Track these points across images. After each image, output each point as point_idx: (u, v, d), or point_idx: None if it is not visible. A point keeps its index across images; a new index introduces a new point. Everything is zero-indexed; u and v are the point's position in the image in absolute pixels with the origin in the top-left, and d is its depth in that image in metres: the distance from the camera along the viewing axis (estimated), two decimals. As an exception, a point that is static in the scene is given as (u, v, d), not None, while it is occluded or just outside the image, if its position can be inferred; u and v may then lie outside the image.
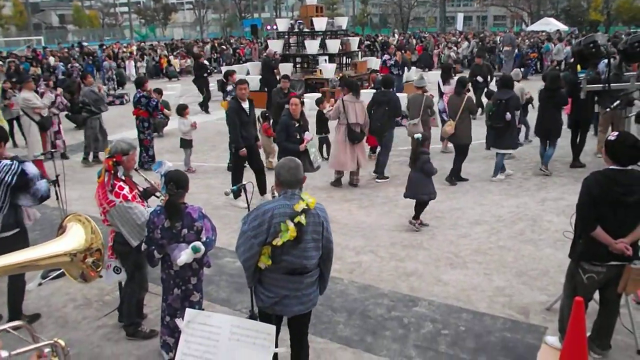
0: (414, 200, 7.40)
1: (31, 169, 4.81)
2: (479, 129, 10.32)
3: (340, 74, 15.23)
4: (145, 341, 4.87)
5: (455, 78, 10.52)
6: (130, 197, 4.54)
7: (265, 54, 17.45)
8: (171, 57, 29.93)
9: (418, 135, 7.56)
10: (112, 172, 4.58)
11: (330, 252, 3.84)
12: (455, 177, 9.23)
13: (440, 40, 34.61)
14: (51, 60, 26.51)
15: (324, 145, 10.81)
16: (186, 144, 10.52)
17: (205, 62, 19.14)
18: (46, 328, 5.18)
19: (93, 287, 5.90)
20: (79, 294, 5.84)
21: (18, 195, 4.74)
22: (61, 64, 23.40)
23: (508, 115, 8.84)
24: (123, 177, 4.66)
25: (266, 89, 16.11)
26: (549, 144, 9.60)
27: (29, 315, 5.30)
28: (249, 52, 32.93)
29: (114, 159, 4.60)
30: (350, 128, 8.86)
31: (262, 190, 8.52)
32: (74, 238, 2.75)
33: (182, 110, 10.65)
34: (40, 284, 6.05)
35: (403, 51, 27.77)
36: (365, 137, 9.22)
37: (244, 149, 8.24)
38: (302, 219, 3.54)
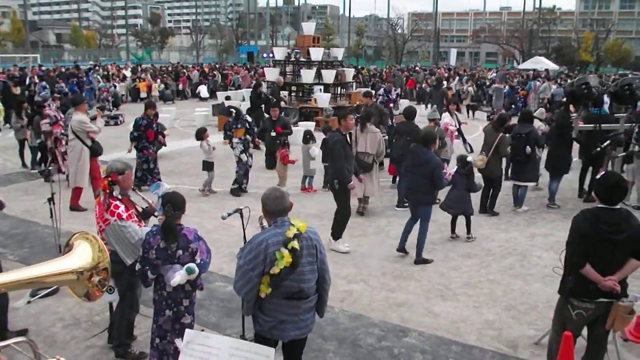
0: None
1: None
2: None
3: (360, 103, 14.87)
4: (134, 363, 4.85)
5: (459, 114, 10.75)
6: (125, 216, 4.59)
7: (274, 81, 17.57)
8: (158, 81, 29.62)
9: (470, 159, 8.20)
10: (108, 191, 4.65)
11: (325, 273, 3.88)
12: (492, 208, 9.41)
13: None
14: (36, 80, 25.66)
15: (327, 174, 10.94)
16: (208, 166, 10.54)
17: (264, 90, 17.82)
18: (27, 352, 5.13)
19: (83, 307, 5.87)
20: (68, 314, 5.80)
21: None
22: (43, 83, 23.14)
23: (528, 149, 9.12)
24: (119, 197, 4.71)
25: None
26: (554, 179, 9.85)
27: (16, 331, 5.24)
28: (237, 78, 32.71)
29: (110, 178, 4.68)
30: (358, 157, 8.93)
31: (336, 234, 7.84)
32: (81, 256, 2.76)
33: (201, 134, 10.61)
34: (28, 302, 5.99)
35: (388, 83, 28.14)
36: (372, 167, 9.13)
37: (353, 182, 7.73)
38: (295, 244, 3.63)
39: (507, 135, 9.40)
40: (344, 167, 7.58)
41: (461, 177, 8.04)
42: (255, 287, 3.64)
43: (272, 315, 3.72)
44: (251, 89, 17.85)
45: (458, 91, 28.67)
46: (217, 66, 41.82)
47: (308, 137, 10.91)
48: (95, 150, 9.56)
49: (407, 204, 9.69)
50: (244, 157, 10.41)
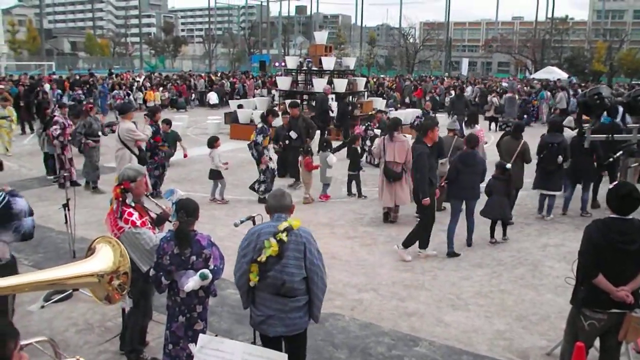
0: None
1: (20, 204, 4.69)
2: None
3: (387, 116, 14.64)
4: (146, 369, 4.89)
5: (477, 126, 10.74)
6: (139, 223, 4.63)
7: (322, 90, 17.67)
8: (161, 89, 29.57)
9: (509, 165, 8.46)
10: (121, 199, 4.69)
11: (314, 275, 3.94)
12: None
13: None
14: (46, 87, 24.20)
15: (353, 182, 11.10)
16: (215, 175, 10.54)
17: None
18: (48, 351, 5.18)
19: (95, 312, 5.94)
20: (81, 319, 5.85)
21: None
22: (58, 91, 23.17)
23: (560, 158, 9.18)
24: (132, 204, 4.75)
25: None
26: (583, 188, 9.86)
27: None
28: (241, 87, 32.49)
29: (122, 186, 4.71)
30: (386, 166, 9.00)
31: (408, 242, 7.75)
32: (103, 260, 2.81)
33: (213, 143, 10.60)
34: (42, 307, 6.06)
35: (397, 93, 28.11)
36: (402, 176, 9.01)
37: (428, 198, 7.55)
38: (283, 236, 3.87)
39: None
40: (426, 181, 7.52)
41: (499, 183, 8.21)
42: (245, 273, 3.94)
43: (262, 310, 3.97)
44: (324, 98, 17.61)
45: (469, 101, 28.59)
46: (224, 75, 41.77)
47: (325, 145, 10.98)
48: (143, 159, 9.43)
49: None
50: (272, 164, 10.56)
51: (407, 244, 7.73)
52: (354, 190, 11.10)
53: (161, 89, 29.46)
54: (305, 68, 20.57)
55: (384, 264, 7.59)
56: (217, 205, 10.40)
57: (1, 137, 14.43)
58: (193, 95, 31.25)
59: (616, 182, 4.34)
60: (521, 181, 9.29)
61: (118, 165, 9.36)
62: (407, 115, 19.45)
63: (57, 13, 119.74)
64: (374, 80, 37.89)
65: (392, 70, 69.47)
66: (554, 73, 41.63)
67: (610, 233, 4.06)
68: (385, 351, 5.29)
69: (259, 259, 3.86)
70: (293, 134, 11.42)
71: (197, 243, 4.22)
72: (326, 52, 20.82)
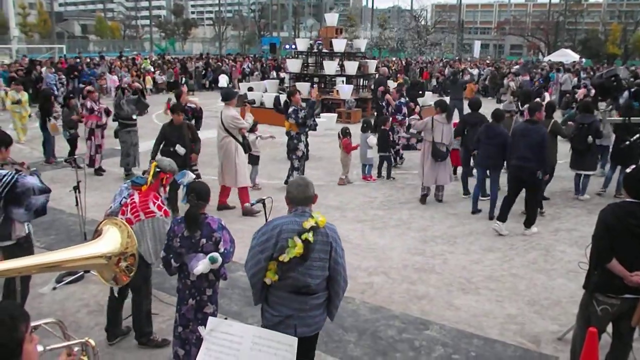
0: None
1: (29, 181, 4.50)
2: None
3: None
4: (157, 350, 4.92)
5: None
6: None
7: (379, 73, 17.56)
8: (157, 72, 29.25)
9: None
10: (159, 186, 4.77)
11: (337, 275, 3.69)
12: (542, 195, 9.35)
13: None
14: (43, 70, 23.78)
15: (385, 163, 11.23)
16: (254, 160, 10.36)
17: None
18: (59, 332, 5.22)
19: (107, 293, 5.93)
20: (93, 300, 5.89)
21: (10, 208, 4.48)
22: (50, 75, 22.97)
23: (590, 139, 9.29)
24: (161, 195, 4.81)
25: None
26: (621, 169, 9.85)
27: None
28: (226, 69, 31.49)
29: (167, 176, 4.80)
30: (435, 146, 9.21)
31: (532, 220, 8.24)
32: (110, 241, 2.81)
33: (253, 127, 10.32)
34: (54, 288, 6.11)
35: (399, 75, 27.87)
36: (447, 157, 9.47)
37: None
38: (309, 236, 3.51)
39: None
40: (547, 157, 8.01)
41: None
42: (261, 270, 3.59)
43: (278, 309, 3.65)
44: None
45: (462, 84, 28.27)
46: (223, 57, 41.01)
47: (366, 126, 11.13)
48: (249, 147, 9.19)
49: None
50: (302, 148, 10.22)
51: (529, 223, 8.14)
52: (383, 172, 11.25)
53: (158, 72, 29.25)
54: (315, 50, 20.44)
55: (394, 247, 7.57)
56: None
57: (14, 122, 14.47)
58: (183, 79, 30.54)
59: (634, 166, 4.26)
60: (554, 159, 9.37)
61: (222, 157, 8.82)
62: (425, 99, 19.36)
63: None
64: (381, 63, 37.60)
65: (403, 52, 68.89)
66: (567, 56, 41.12)
67: (627, 217, 4.00)
68: (396, 334, 5.28)
69: (280, 259, 3.51)
70: (180, 149, 8.44)
71: (207, 226, 4.21)
72: (337, 35, 20.67)
